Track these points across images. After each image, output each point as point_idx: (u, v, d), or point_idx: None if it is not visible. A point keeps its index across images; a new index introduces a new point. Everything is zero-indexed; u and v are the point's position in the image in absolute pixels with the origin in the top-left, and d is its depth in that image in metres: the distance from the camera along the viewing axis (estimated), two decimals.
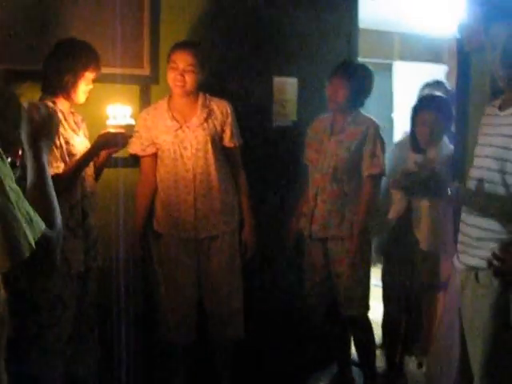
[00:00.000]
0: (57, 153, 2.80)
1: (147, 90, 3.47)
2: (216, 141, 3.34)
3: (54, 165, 2.77)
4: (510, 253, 2.14)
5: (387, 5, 5.73)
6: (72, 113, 2.99)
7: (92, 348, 3.00)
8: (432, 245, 3.42)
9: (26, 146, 1.61)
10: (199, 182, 3.30)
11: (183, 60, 3.20)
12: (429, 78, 4.31)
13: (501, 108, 2.38)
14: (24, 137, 1.62)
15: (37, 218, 1.38)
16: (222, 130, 3.36)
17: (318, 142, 3.47)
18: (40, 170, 1.57)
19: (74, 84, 2.85)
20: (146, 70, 3.45)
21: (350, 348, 3.82)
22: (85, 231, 2.92)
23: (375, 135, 3.38)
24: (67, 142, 2.87)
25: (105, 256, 3.17)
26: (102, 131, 2.94)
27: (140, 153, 3.35)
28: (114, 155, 3.12)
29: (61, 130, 2.83)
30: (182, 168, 3.29)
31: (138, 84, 3.43)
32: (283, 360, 3.73)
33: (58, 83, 2.84)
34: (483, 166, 2.34)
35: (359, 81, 3.38)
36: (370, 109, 3.62)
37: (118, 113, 2.98)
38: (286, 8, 3.78)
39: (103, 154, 3.04)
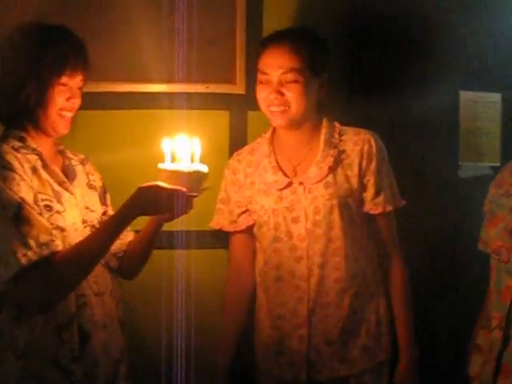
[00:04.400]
0: (33, 231, 1.56)
1: (242, 118, 2.28)
2: (350, 206, 1.93)
3: (28, 251, 1.54)
4: None
5: None
6: (60, 152, 1.80)
7: None
8: None
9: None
10: (318, 282, 1.92)
11: (278, 64, 1.87)
12: None
13: None
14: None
15: None
16: (362, 185, 1.95)
17: (509, 211, 1.77)
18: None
19: (42, 101, 1.65)
20: (239, 88, 2.27)
21: None
22: (86, 367, 1.66)
23: None
24: (49, 208, 1.63)
25: None
26: (143, 185, 1.66)
27: (228, 228, 2.05)
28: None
29: (36, 186, 1.63)
30: (290, 256, 1.93)
31: (228, 109, 2.28)
32: None
33: (15, 103, 1.65)
34: None
35: None
36: None
37: (179, 151, 1.72)
38: None
39: (149, 223, 1.81)
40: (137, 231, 1.85)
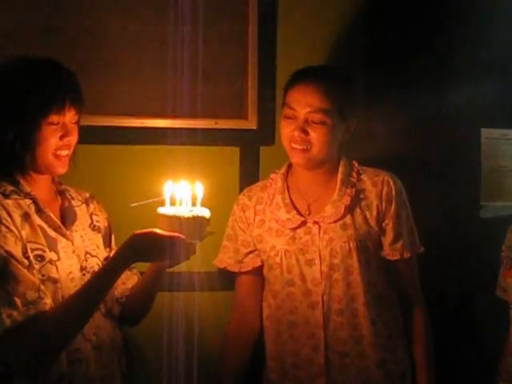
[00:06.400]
0: (20, 288, 1.43)
1: (253, 155, 2.17)
2: (369, 249, 1.81)
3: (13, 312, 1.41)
4: None
5: None
6: (60, 192, 1.64)
7: None
8: None
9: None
10: (335, 329, 1.78)
11: (307, 102, 1.75)
12: None
13: None
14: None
15: None
16: (381, 228, 1.83)
17: None
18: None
19: (31, 143, 1.51)
20: (251, 123, 2.16)
21: None
22: None
23: None
24: (40, 258, 1.49)
25: None
26: (138, 231, 1.51)
27: (233, 267, 1.92)
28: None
29: (26, 235, 1.49)
30: (304, 301, 1.80)
31: (239, 144, 2.17)
32: None
33: (2, 146, 1.51)
34: None
35: None
36: None
37: (179, 195, 1.57)
38: None
39: (150, 268, 1.65)
40: (141, 273, 1.71)
